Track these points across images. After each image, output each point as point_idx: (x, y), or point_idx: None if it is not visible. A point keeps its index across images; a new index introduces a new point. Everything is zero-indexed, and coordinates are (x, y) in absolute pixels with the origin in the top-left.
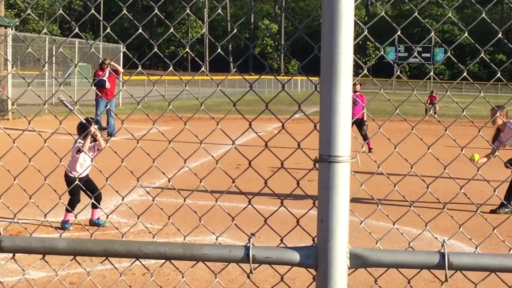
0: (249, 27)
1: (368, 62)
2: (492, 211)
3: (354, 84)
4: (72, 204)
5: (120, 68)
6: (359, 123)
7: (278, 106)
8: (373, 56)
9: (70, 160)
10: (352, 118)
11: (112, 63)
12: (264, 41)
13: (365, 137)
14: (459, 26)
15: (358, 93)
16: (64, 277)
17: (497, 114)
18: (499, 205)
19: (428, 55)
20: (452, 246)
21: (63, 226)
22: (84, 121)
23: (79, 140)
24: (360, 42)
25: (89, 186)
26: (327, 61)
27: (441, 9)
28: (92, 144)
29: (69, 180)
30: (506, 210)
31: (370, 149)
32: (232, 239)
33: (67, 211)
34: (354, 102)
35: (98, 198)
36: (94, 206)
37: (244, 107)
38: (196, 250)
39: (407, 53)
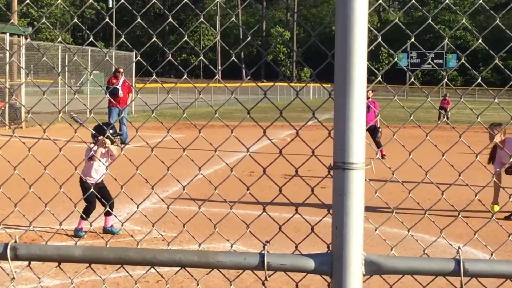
0: (261, 34)
1: (381, 69)
2: (507, 218)
3: (367, 91)
4: (87, 212)
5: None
6: (372, 130)
7: (290, 113)
8: (386, 62)
9: (85, 166)
10: (366, 125)
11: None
12: (277, 48)
13: (378, 144)
14: (472, 32)
15: (370, 100)
16: (78, 284)
17: (497, 130)
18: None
19: (440, 61)
20: (466, 253)
21: (77, 234)
22: (101, 125)
23: (92, 146)
24: (373, 49)
25: (103, 193)
26: (341, 68)
27: (453, 15)
28: (106, 150)
29: (84, 186)
30: None
31: (383, 156)
32: (246, 247)
33: (82, 218)
34: (367, 109)
35: (111, 206)
36: (107, 214)
37: (257, 114)
38: (211, 258)
39: (419, 60)
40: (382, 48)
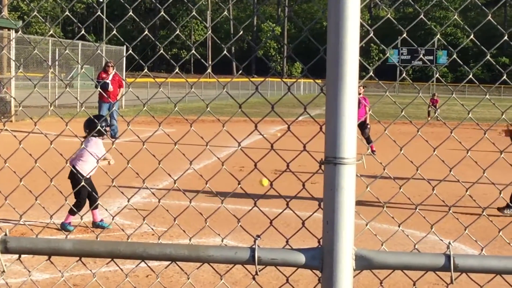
0: (252, 30)
1: (371, 65)
2: (499, 209)
3: (358, 87)
4: (78, 207)
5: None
6: (361, 126)
7: (281, 109)
8: (376, 59)
9: (78, 161)
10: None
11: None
12: (268, 44)
13: (367, 140)
14: (463, 28)
15: (361, 96)
16: (68, 278)
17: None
18: (505, 206)
19: (431, 57)
20: (456, 249)
21: (66, 228)
22: (91, 118)
23: (94, 138)
24: (364, 45)
25: (91, 188)
26: (333, 63)
27: (444, 11)
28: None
29: (75, 179)
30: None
31: (373, 151)
32: (236, 241)
33: (71, 213)
34: (358, 105)
35: (96, 200)
36: (94, 208)
37: (248, 109)
38: (201, 252)
39: (410, 56)
40: (372, 44)
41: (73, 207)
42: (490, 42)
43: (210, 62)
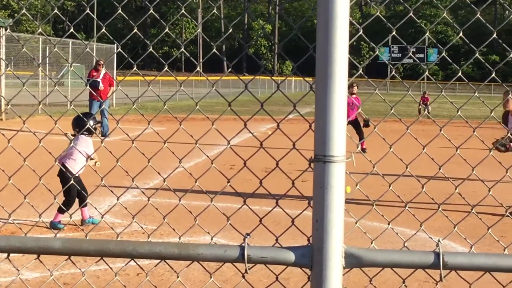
0: (242, 28)
1: (362, 63)
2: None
3: (352, 86)
4: (68, 205)
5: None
6: (355, 125)
7: (271, 107)
8: (367, 56)
9: (68, 159)
10: (348, 119)
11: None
12: (258, 42)
13: (361, 137)
14: (453, 26)
15: (355, 96)
16: (58, 277)
17: (509, 97)
18: None
19: (421, 55)
20: (445, 247)
21: (56, 226)
22: (80, 116)
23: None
24: (354, 43)
25: (80, 186)
26: (322, 61)
27: (434, 9)
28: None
29: (65, 177)
30: None
31: (364, 150)
32: (226, 240)
33: (60, 211)
34: (351, 105)
35: (85, 198)
36: (84, 206)
37: (238, 107)
38: (191, 250)
39: (400, 54)
40: (362, 42)
41: (62, 206)
42: (480, 40)
43: (200, 61)
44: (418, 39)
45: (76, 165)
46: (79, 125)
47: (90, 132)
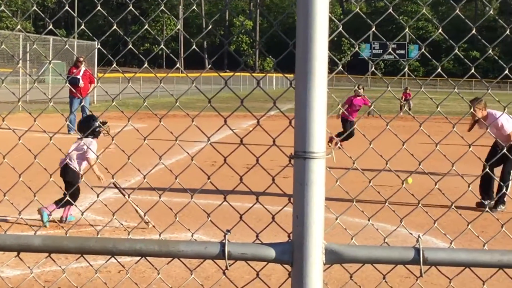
0: (224, 24)
1: (343, 59)
2: (491, 209)
3: (358, 88)
4: (74, 195)
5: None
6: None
7: (252, 103)
8: (348, 52)
9: (71, 160)
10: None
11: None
12: (239, 38)
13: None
14: (433, 22)
15: (361, 97)
16: (39, 275)
17: (476, 106)
18: (495, 204)
19: (402, 52)
20: (427, 242)
21: (70, 219)
22: (85, 118)
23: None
24: (335, 39)
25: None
26: (302, 58)
27: (415, 6)
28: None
29: (68, 177)
30: (503, 207)
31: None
32: (208, 236)
33: (68, 204)
34: (356, 107)
35: (76, 199)
36: (70, 204)
37: (219, 104)
38: (171, 247)
39: (381, 50)
40: (343, 39)
41: (70, 200)
42: (462, 36)
43: (182, 58)
44: (399, 35)
45: (78, 167)
46: (84, 127)
47: (95, 135)
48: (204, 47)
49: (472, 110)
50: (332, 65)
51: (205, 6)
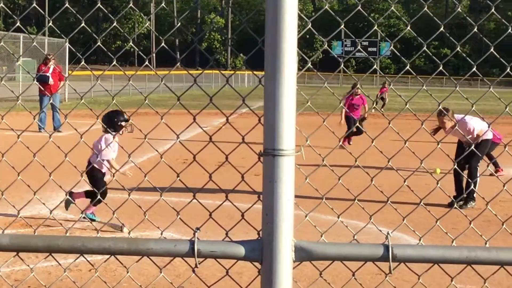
0: (195, 22)
1: (314, 56)
2: (460, 207)
3: (356, 87)
4: (104, 194)
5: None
6: (359, 122)
7: (224, 101)
8: (321, 50)
9: (93, 156)
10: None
11: None
12: (211, 36)
13: (360, 131)
14: (403, 20)
15: (359, 95)
16: (9, 274)
17: (443, 117)
18: (465, 201)
19: (374, 49)
20: (399, 239)
21: (91, 217)
22: (109, 114)
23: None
24: (307, 37)
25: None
26: (271, 54)
27: (386, 3)
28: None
29: (93, 175)
30: (473, 204)
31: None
32: (180, 234)
33: (94, 204)
34: (356, 106)
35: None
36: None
37: (191, 102)
38: (141, 245)
39: (353, 47)
40: (316, 36)
41: (100, 198)
42: (433, 34)
43: (152, 55)
44: (372, 33)
45: (102, 165)
46: (107, 122)
47: (116, 130)
48: (176, 44)
49: (439, 123)
50: (304, 63)
51: (177, 3)
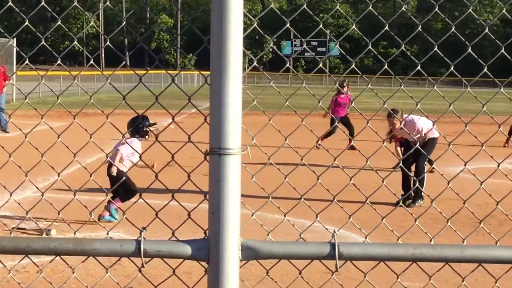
0: (145, 22)
1: (264, 56)
2: (409, 205)
3: (343, 86)
4: (131, 194)
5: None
6: (345, 122)
7: (174, 101)
8: (270, 50)
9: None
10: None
11: None
12: (161, 36)
13: (352, 133)
14: (348, 19)
15: (345, 94)
16: None
17: (393, 119)
18: (413, 199)
19: (323, 49)
20: (347, 238)
21: (112, 211)
22: (135, 118)
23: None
24: (257, 37)
25: (130, 182)
26: (216, 53)
27: (334, 4)
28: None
29: (114, 176)
30: (421, 202)
31: (352, 147)
32: (129, 235)
33: (122, 200)
34: (345, 104)
35: (133, 194)
36: (124, 199)
37: (140, 102)
38: (86, 245)
39: (302, 47)
40: (266, 36)
41: (129, 195)
42: (383, 33)
43: (102, 55)
44: (320, 33)
45: (121, 165)
46: (133, 128)
47: (142, 135)
48: (125, 44)
49: (389, 124)
50: (253, 62)
51: (126, 3)
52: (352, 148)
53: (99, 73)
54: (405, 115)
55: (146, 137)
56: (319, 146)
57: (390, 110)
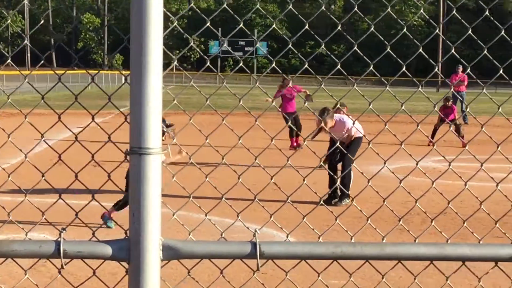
0: (71, 21)
1: (192, 56)
2: (335, 204)
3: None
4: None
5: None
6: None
7: (99, 101)
8: (198, 50)
9: None
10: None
11: None
12: (87, 35)
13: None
14: (282, 20)
15: (289, 87)
16: None
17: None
18: (339, 198)
19: (251, 49)
20: (274, 237)
21: (107, 221)
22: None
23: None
24: (184, 36)
25: None
26: (136, 53)
27: (263, 4)
28: None
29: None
30: (347, 201)
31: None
32: (53, 236)
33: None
34: (288, 96)
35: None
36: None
37: (64, 102)
38: (5, 246)
39: (230, 47)
40: (188, 36)
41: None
42: (309, 33)
43: (28, 54)
44: (248, 33)
45: None
46: None
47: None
48: (52, 44)
49: (323, 123)
50: (181, 62)
51: (52, 2)
52: (295, 148)
53: (26, 73)
54: (336, 117)
55: (163, 138)
56: (302, 147)
57: (321, 110)
